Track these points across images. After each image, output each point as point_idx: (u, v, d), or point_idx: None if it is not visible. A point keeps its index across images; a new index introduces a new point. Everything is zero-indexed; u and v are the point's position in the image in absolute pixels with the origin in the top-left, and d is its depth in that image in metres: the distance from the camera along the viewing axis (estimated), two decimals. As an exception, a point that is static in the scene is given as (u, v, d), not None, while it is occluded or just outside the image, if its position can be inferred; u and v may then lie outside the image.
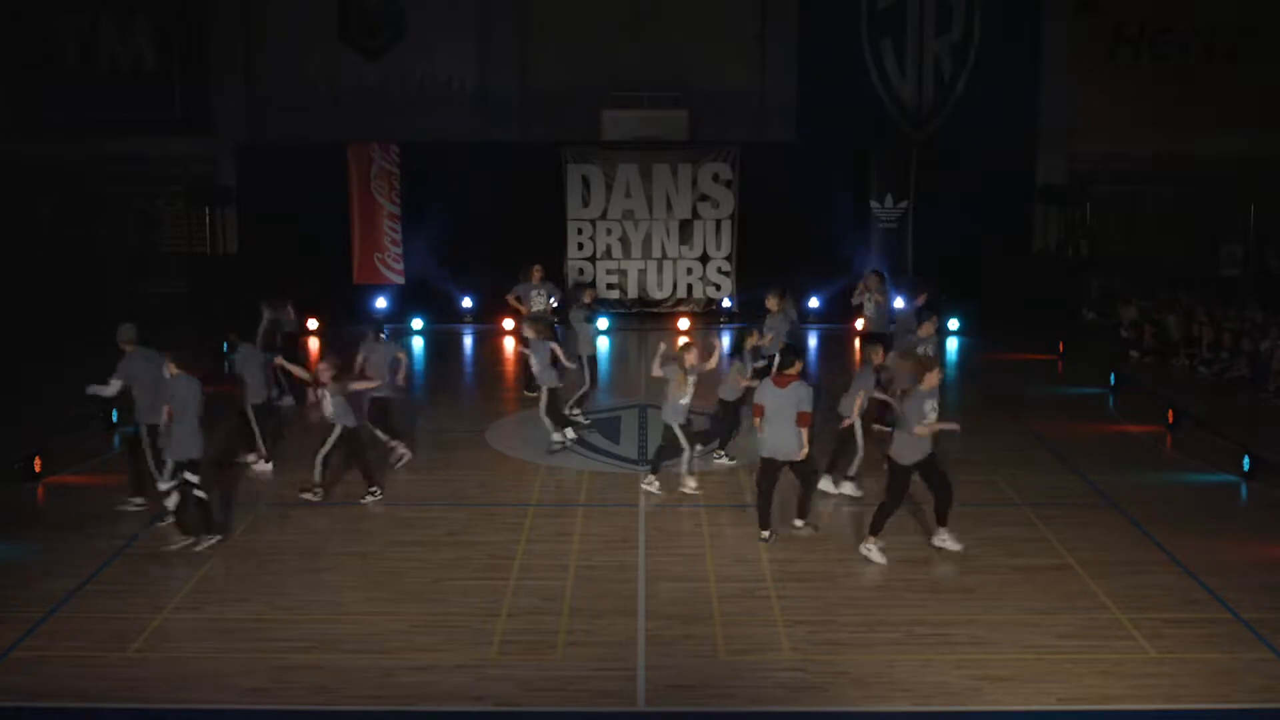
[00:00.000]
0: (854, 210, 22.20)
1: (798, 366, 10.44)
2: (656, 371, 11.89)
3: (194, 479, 10.17)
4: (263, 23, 24.13)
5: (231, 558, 10.12)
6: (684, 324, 21.67)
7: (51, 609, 9.01)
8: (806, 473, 10.65)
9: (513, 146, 23.11)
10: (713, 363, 12.12)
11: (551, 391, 13.12)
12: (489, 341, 20.92)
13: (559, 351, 13.31)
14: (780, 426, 10.20)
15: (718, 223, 22.23)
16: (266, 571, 9.82)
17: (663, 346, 12.03)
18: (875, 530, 10.06)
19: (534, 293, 16.39)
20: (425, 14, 24.02)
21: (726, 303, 22.37)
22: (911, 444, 9.79)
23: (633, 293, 22.43)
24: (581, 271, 22.26)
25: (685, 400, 11.67)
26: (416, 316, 21.84)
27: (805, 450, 10.28)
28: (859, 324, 17.68)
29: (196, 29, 24.06)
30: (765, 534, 10.46)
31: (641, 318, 22.28)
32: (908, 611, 9.03)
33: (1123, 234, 23.45)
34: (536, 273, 16.47)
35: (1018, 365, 18.64)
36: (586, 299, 15.36)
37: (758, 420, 10.32)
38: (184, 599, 9.24)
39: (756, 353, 13.04)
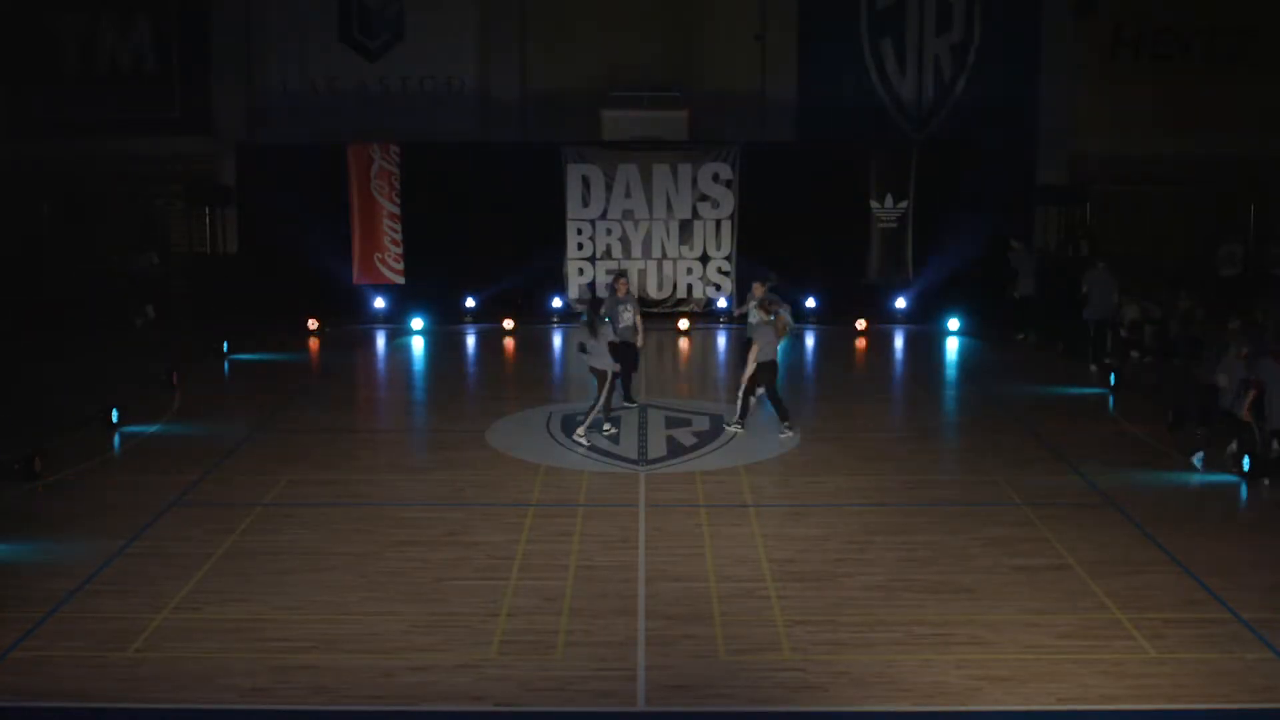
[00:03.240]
0: (854, 210, 22.18)
1: None
2: (1223, 382, 12.63)
3: None
4: (263, 23, 24.12)
5: (231, 558, 10.13)
6: (684, 324, 21.65)
7: (51, 609, 9.01)
8: None
9: (513, 146, 23.10)
10: None
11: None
12: (490, 342, 20.92)
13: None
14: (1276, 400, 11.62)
15: (718, 223, 22.21)
16: (266, 571, 9.81)
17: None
18: None
19: (620, 307, 15.64)
20: (425, 14, 24.03)
21: (723, 303, 22.33)
22: None
23: (633, 293, 22.35)
24: (582, 272, 22.27)
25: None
26: (416, 316, 21.83)
27: None
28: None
29: (196, 29, 24.06)
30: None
31: (641, 317, 22.19)
32: (908, 611, 9.03)
33: (1123, 234, 23.43)
34: (623, 286, 15.96)
35: (1018, 365, 18.65)
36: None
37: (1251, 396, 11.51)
38: (184, 599, 9.24)
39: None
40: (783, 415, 14.10)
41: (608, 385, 13.74)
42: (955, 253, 21.59)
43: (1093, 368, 18.11)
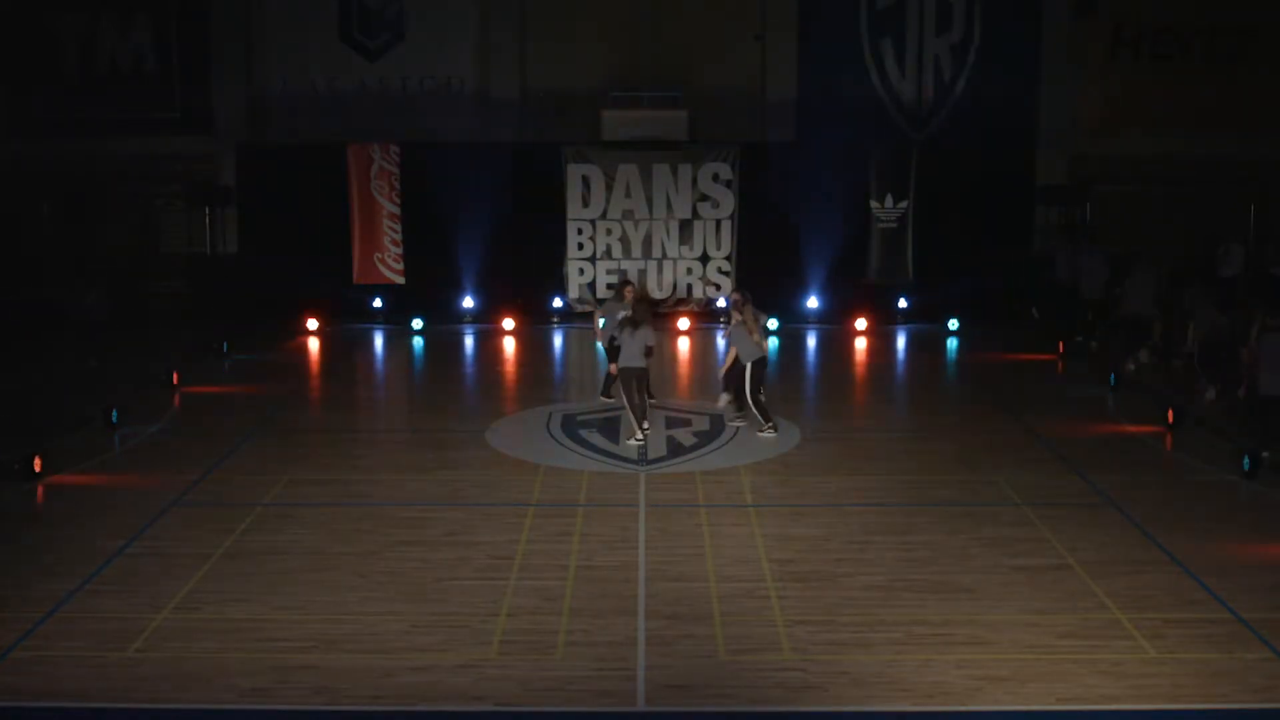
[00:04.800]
0: (854, 210, 22.19)
1: None
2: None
3: None
4: (263, 23, 24.12)
5: (231, 558, 10.13)
6: (684, 324, 21.66)
7: (51, 609, 9.01)
8: None
9: (513, 146, 23.11)
10: None
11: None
12: (490, 342, 20.92)
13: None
14: None
15: (718, 223, 22.22)
16: (266, 571, 9.81)
17: None
18: None
19: (622, 313, 15.13)
20: (425, 14, 24.00)
21: (722, 302, 22.30)
22: None
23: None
24: (582, 272, 22.27)
25: None
26: (416, 316, 21.83)
27: None
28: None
29: (196, 29, 24.04)
30: None
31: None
32: (908, 611, 9.03)
33: (1123, 234, 23.42)
34: (629, 292, 15.71)
35: (1018, 365, 18.65)
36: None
37: None
38: (184, 599, 9.24)
39: None
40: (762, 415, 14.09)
41: (635, 384, 13.86)
42: (955, 253, 21.62)
43: (1078, 338, 19.62)
